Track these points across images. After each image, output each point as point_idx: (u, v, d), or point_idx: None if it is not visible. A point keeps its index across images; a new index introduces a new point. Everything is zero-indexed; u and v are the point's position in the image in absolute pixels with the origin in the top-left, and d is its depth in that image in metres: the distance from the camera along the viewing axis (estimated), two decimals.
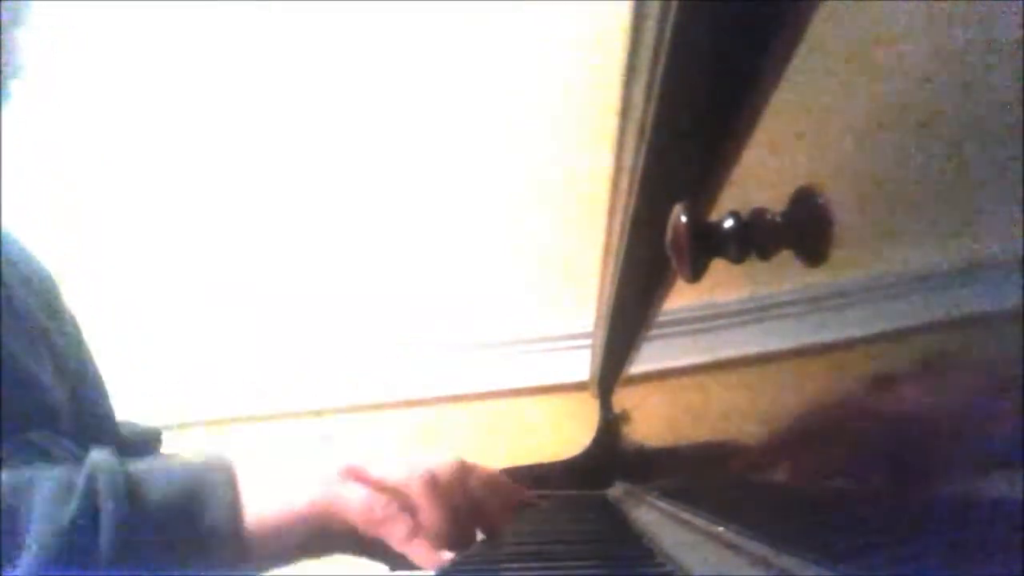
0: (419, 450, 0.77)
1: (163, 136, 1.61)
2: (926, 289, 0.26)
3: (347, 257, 1.59)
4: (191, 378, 1.56)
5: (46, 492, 0.53)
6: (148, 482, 0.56)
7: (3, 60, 0.75)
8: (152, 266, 1.61)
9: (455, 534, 0.64)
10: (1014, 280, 0.20)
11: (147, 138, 1.61)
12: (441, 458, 0.66)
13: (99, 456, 0.57)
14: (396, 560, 0.67)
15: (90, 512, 0.53)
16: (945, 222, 0.25)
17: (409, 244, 1.57)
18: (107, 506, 0.54)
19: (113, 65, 1.58)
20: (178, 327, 1.59)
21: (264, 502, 0.59)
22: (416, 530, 0.61)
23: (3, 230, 0.85)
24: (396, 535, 0.60)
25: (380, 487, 0.62)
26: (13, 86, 0.76)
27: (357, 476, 0.62)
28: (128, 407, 0.93)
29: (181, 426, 1.50)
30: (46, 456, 0.74)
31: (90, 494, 0.54)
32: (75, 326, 0.91)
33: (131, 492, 0.55)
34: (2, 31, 0.75)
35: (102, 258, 1.60)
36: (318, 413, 1.54)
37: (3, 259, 0.81)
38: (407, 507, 0.62)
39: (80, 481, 0.54)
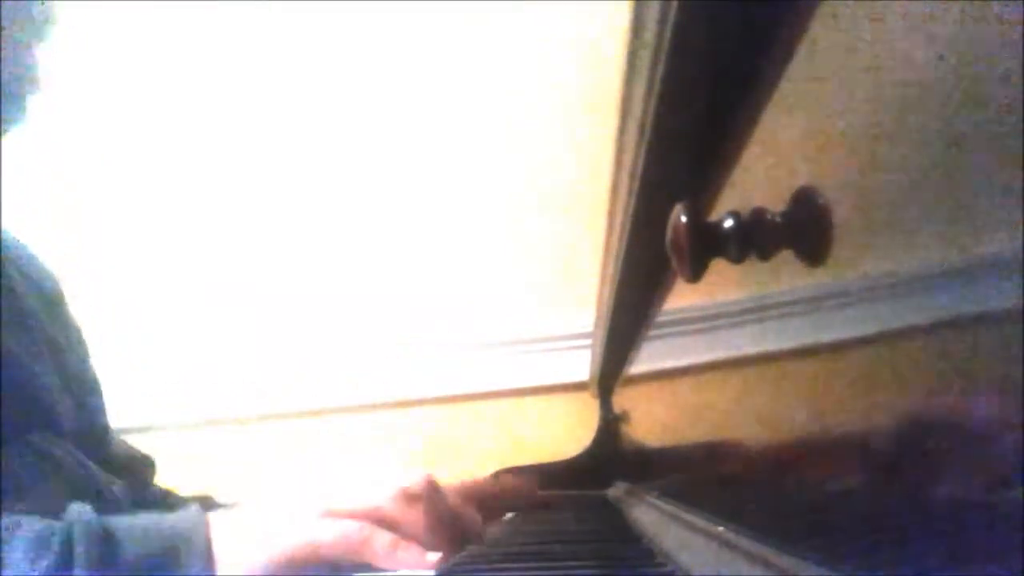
0: (395, 464, 0.77)
1: (162, 136, 1.61)
2: (926, 289, 0.26)
3: (347, 257, 1.59)
4: (191, 378, 1.56)
5: (23, 543, 0.55)
6: (124, 537, 0.57)
7: (25, 77, 0.75)
8: (152, 266, 1.61)
9: (437, 539, 0.64)
10: (1014, 280, 0.20)
11: (146, 137, 1.61)
12: (409, 474, 0.67)
13: (77, 509, 0.58)
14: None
15: (65, 565, 0.55)
16: (945, 222, 0.25)
17: (409, 244, 1.57)
18: (81, 561, 0.55)
19: (113, 65, 1.58)
20: (178, 327, 1.59)
21: (240, 555, 0.59)
22: (397, 541, 0.61)
23: (10, 236, 0.85)
24: (378, 552, 0.60)
25: (354, 516, 0.63)
26: (32, 102, 0.77)
27: (329, 513, 0.62)
28: (129, 407, 0.93)
29: (181, 426, 1.51)
30: (48, 459, 0.74)
31: (66, 547, 0.55)
32: (79, 333, 0.91)
33: (105, 547, 0.56)
34: (24, 48, 0.75)
35: (101, 258, 1.60)
36: (318, 413, 1.54)
37: (12, 265, 0.81)
38: (384, 525, 0.63)
39: (57, 534, 0.55)
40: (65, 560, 0.55)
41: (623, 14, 0.50)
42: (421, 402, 1.53)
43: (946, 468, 0.25)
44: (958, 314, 0.24)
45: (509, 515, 1.02)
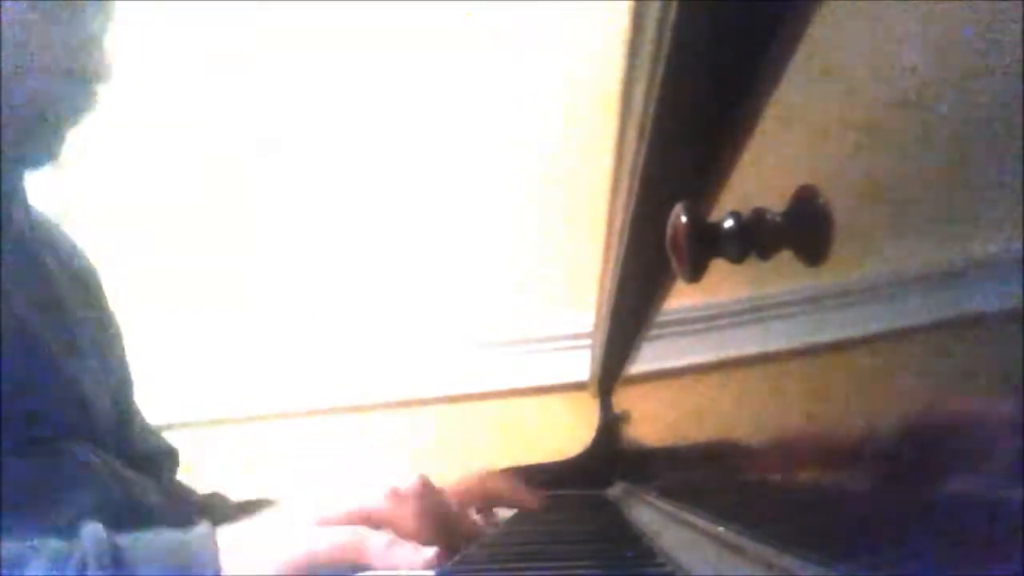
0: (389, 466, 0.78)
1: (162, 135, 1.61)
2: (926, 289, 0.26)
3: (347, 257, 1.59)
4: (190, 378, 1.56)
5: (39, 566, 0.57)
6: (137, 557, 0.59)
7: (96, 67, 0.76)
8: (151, 265, 1.61)
9: (432, 537, 0.64)
10: (1014, 280, 0.20)
11: (145, 137, 1.61)
12: (403, 476, 0.67)
13: (90, 530, 0.60)
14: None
15: None
16: (945, 222, 0.25)
17: (409, 244, 1.57)
18: None
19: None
20: (177, 327, 1.59)
21: (247, 569, 0.61)
22: (392, 540, 0.61)
23: (48, 220, 0.86)
24: (374, 553, 0.61)
25: (348, 520, 0.63)
26: (102, 90, 0.78)
27: (323, 520, 0.63)
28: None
29: (182, 426, 1.51)
30: (84, 468, 0.75)
31: (80, 569, 0.57)
32: (116, 325, 0.92)
33: (120, 567, 0.58)
34: (94, 38, 0.76)
35: (102, 257, 1.60)
36: (318, 413, 1.54)
37: (50, 252, 0.82)
38: (378, 526, 0.63)
39: (72, 557, 0.58)
40: None
41: (623, 14, 0.50)
42: (421, 402, 1.53)
43: (946, 468, 0.25)
44: (958, 314, 0.24)
45: (509, 515, 1.02)
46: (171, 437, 1.01)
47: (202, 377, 1.57)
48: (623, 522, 0.85)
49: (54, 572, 0.57)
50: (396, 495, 0.65)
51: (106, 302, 0.90)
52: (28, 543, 0.58)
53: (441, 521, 0.67)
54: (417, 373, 1.53)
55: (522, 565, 0.62)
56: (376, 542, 0.61)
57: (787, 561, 0.37)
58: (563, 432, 1.41)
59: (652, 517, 0.76)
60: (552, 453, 1.30)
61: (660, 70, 0.46)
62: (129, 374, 0.90)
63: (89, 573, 0.57)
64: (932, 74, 0.25)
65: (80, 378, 0.78)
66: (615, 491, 1.20)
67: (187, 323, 1.60)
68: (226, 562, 0.60)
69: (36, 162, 0.79)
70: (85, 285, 0.88)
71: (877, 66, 0.29)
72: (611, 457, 1.27)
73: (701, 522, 0.56)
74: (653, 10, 0.44)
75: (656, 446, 0.87)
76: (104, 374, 0.83)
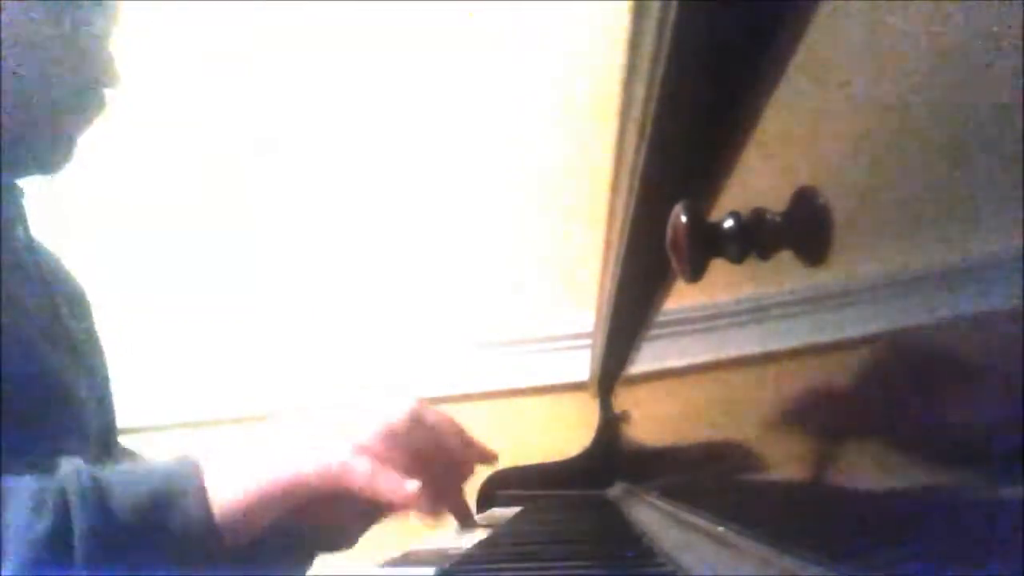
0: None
1: (160, 135, 1.61)
2: (926, 289, 0.26)
3: (347, 257, 1.59)
4: (189, 378, 1.56)
5: (19, 504, 0.55)
6: (117, 488, 0.58)
7: (104, 70, 0.77)
8: (151, 265, 1.61)
9: (420, 471, 0.64)
10: (1014, 280, 0.20)
11: (144, 136, 1.61)
12: (395, 403, 0.67)
13: (69, 465, 0.59)
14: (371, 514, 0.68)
15: (62, 522, 0.55)
16: (945, 222, 0.25)
17: (409, 244, 1.57)
18: (78, 515, 0.56)
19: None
20: (177, 327, 1.59)
21: (231, 490, 0.61)
22: (377, 469, 0.61)
23: (44, 246, 0.87)
24: (358, 480, 0.61)
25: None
26: (109, 96, 0.78)
27: (314, 447, 0.63)
28: (128, 407, 0.93)
29: (182, 426, 1.51)
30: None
31: (61, 504, 0.56)
32: (102, 349, 0.92)
33: (101, 499, 0.57)
34: (101, 42, 0.76)
35: (100, 258, 1.60)
36: None
37: (43, 268, 0.82)
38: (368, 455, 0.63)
39: (51, 491, 0.56)
40: (62, 517, 0.55)
41: (623, 14, 0.50)
42: None
43: (946, 468, 0.25)
44: (958, 314, 0.24)
45: (509, 516, 1.02)
46: (171, 437, 1.01)
47: (201, 377, 1.57)
48: (623, 522, 0.85)
49: (34, 514, 0.55)
50: (390, 432, 0.64)
51: (94, 324, 0.91)
52: (6, 485, 0.56)
53: (429, 456, 0.67)
54: (417, 373, 1.53)
55: (522, 565, 0.62)
56: (362, 469, 0.61)
57: (787, 561, 0.37)
58: (563, 432, 1.41)
59: (652, 517, 0.76)
60: (552, 453, 1.30)
61: (660, 70, 0.46)
62: (111, 396, 0.90)
63: (73, 506, 0.56)
64: (932, 75, 0.25)
65: (75, 386, 0.78)
66: (615, 491, 1.20)
67: (187, 323, 1.60)
68: (212, 485, 0.60)
69: (46, 168, 0.80)
70: (79, 305, 0.89)
71: (877, 66, 0.29)
72: (611, 457, 1.27)
73: (701, 522, 0.56)
74: (653, 10, 0.44)
75: (656, 446, 0.87)
76: (94, 387, 0.84)
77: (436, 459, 0.68)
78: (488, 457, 0.77)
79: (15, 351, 0.71)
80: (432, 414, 0.69)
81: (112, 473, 0.60)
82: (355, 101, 1.58)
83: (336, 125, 1.59)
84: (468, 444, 0.74)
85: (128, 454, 0.96)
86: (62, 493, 0.56)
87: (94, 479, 0.58)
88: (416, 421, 0.66)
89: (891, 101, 0.28)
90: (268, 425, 0.67)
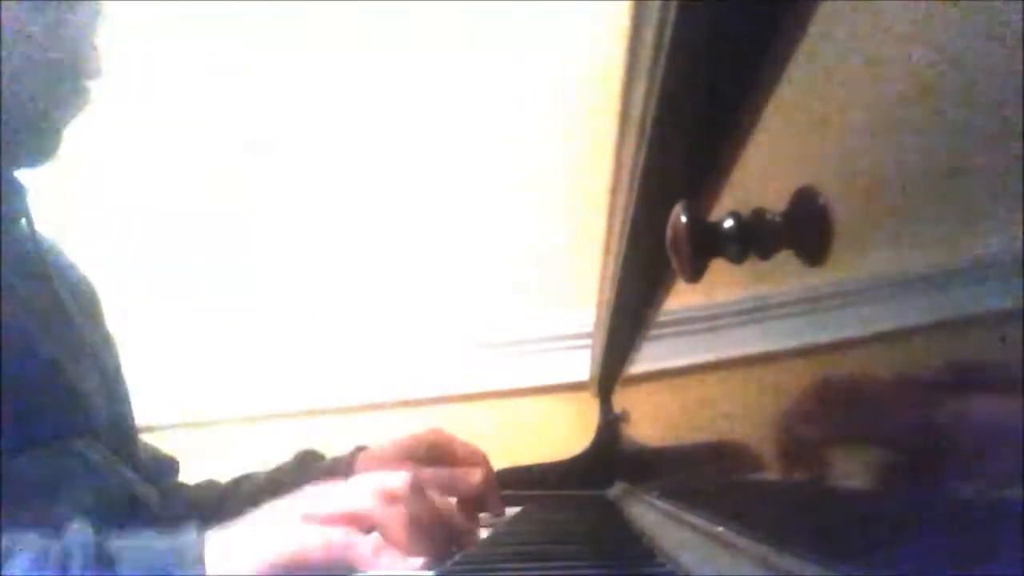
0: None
1: (159, 134, 1.61)
2: (926, 289, 0.26)
3: (347, 256, 1.59)
4: (189, 378, 1.56)
5: (22, 562, 0.56)
6: (121, 557, 0.59)
7: (87, 63, 0.77)
8: (150, 264, 1.61)
9: (422, 540, 0.64)
10: (1014, 280, 0.20)
11: (143, 136, 1.61)
12: (393, 473, 0.67)
13: (76, 528, 0.59)
14: None
15: None
16: (945, 222, 0.25)
17: (409, 244, 1.57)
18: None
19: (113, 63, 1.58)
20: (177, 327, 1.59)
21: (233, 569, 0.61)
22: (380, 546, 0.61)
23: (48, 238, 0.87)
24: (363, 558, 0.61)
25: (338, 519, 0.63)
26: (94, 88, 0.78)
27: (312, 519, 0.63)
28: (137, 406, 0.94)
29: (182, 426, 1.50)
30: (86, 463, 0.75)
31: (63, 567, 0.56)
32: (114, 343, 0.92)
33: (103, 567, 0.57)
34: (84, 35, 0.76)
35: (100, 258, 1.60)
36: (317, 413, 1.54)
37: (52, 267, 0.82)
38: (369, 528, 0.63)
39: (55, 553, 0.57)
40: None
41: (623, 14, 0.50)
42: (421, 402, 1.52)
43: (946, 468, 0.25)
44: (958, 314, 0.24)
45: (508, 516, 1.02)
46: (171, 437, 1.01)
47: (201, 377, 1.57)
48: (623, 522, 0.85)
49: (34, 570, 0.56)
50: (386, 495, 0.65)
51: (104, 319, 0.91)
52: (7, 539, 0.57)
53: (431, 524, 0.67)
54: (417, 373, 1.53)
55: (522, 565, 0.62)
56: (364, 547, 0.61)
57: (787, 561, 0.37)
58: (563, 432, 1.41)
59: (652, 517, 0.75)
60: (552, 453, 1.30)
61: (660, 70, 0.46)
62: (127, 388, 0.90)
63: (72, 572, 0.56)
64: (932, 74, 0.25)
65: (80, 379, 0.78)
66: (615, 491, 1.20)
67: (186, 323, 1.60)
68: (213, 564, 0.60)
69: (33, 160, 0.80)
70: (86, 299, 0.89)
71: (877, 66, 0.29)
72: (611, 457, 1.26)
73: (701, 522, 0.56)
74: (653, 10, 0.44)
75: (656, 446, 0.87)
76: (102, 381, 0.84)
77: (437, 524, 0.68)
78: (496, 513, 0.77)
79: (13, 343, 0.71)
80: (430, 480, 0.69)
81: (117, 542, 0.60)
82: (355, 101, 1.58)
83: (336, 125, 1.59)
84: (470, 508, 0.74)
85: (150, 450, 0.96)
86: (67, 554, 0.57)
87: (99, 544, 0.58)
88: (414, 487, 0.66)
89: (891, 101, 0.28)
90: (269, 505, 0.67)
